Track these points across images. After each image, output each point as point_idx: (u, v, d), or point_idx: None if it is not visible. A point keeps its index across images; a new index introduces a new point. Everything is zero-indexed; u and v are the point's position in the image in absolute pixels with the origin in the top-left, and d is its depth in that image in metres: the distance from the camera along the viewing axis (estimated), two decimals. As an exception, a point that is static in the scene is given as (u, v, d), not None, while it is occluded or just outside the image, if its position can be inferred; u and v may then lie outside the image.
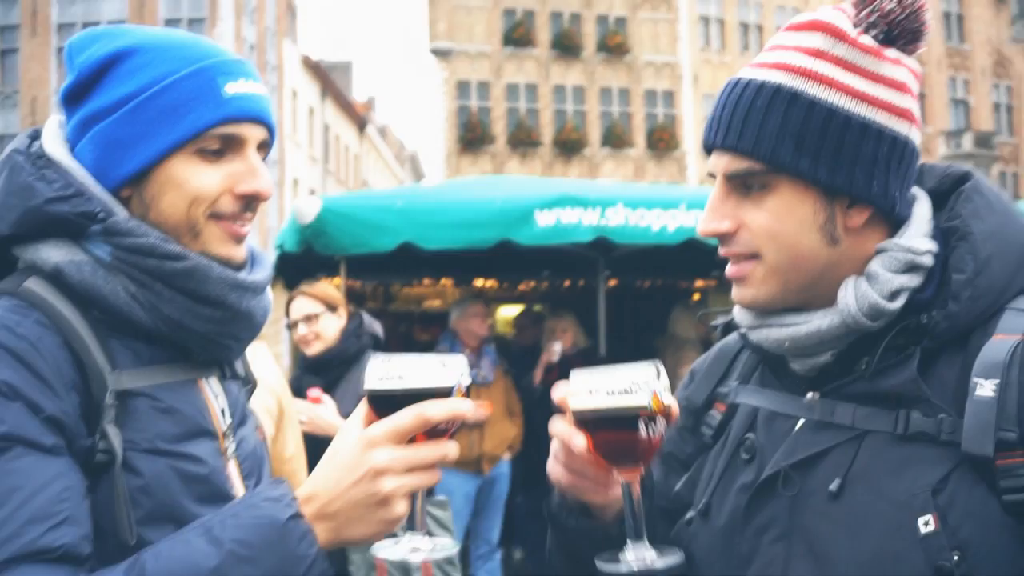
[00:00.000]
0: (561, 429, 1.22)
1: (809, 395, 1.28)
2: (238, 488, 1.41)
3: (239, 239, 1.40)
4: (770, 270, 1.26)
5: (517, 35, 37.91)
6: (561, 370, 6.57)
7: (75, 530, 1.10)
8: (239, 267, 1.41)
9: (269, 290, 1.50)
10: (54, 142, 1.37)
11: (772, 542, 1.25)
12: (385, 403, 1.13)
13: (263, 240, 31.29)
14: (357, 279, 8.24)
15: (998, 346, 1.15)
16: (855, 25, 1.24)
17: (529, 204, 5.80)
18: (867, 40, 1.23)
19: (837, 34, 1.23)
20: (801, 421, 1.28)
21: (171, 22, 30.87)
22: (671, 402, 1.18)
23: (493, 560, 6.45)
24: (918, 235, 1.25)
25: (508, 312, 11.68)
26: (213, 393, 1.43)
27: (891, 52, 1.25)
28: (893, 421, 1.18)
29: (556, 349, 6.61)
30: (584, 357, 6.67)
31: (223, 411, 1.43)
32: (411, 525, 1.18)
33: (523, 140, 37.46)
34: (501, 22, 38.12)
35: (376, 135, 52.53)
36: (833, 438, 1.23)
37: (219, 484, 1.36)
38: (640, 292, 9.31)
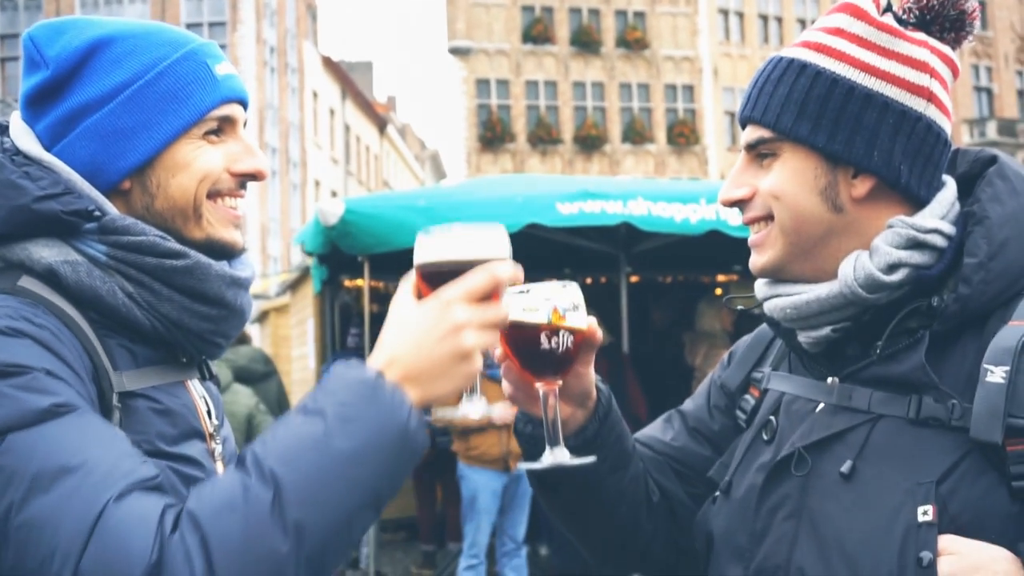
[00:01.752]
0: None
1: (829, 380, 1.30)
2: None
3: (237, 224, 1.40)
4: (780, 230, 1.29)
5: (536, 32, 37.92)
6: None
7: (157, 468, 1.11)
8: (237, 254, 1.41)
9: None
10: (28, 140, 1.32)
11: (783, 520, 1.27)
12: (439, 275, 1.16)
13: (286, 241, 31.49)
14: (380, 279, 8.28)
15: (1011, 332, 1.15)
16: (888, 8, 1.28)
17: (550, 198, 5.85)
18: (889, 20, 1.27)
19: (858, 14, 1.28)
20: (820, 405, 1.30)
21: (192, 26, 31.06)
22: (577, 321, 1.25)
23: (519, 557, 6.46)
24: (932, 216, 1.26)
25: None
26: (199, 394, 1.41)
27: (918, 35, 1.27)
28: (906, 406, 1.19)
29: (579, 346, 6.61)
30: (607, 353, 6.67)
31: (209, 412, 1.42)
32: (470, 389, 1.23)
33: (543, 137, 37.47)
34: (520, 19, 38.14)
35: (396, 135, 52.65)
36: (848, 421, 1.24)
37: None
38: (664, 287, 9.30)
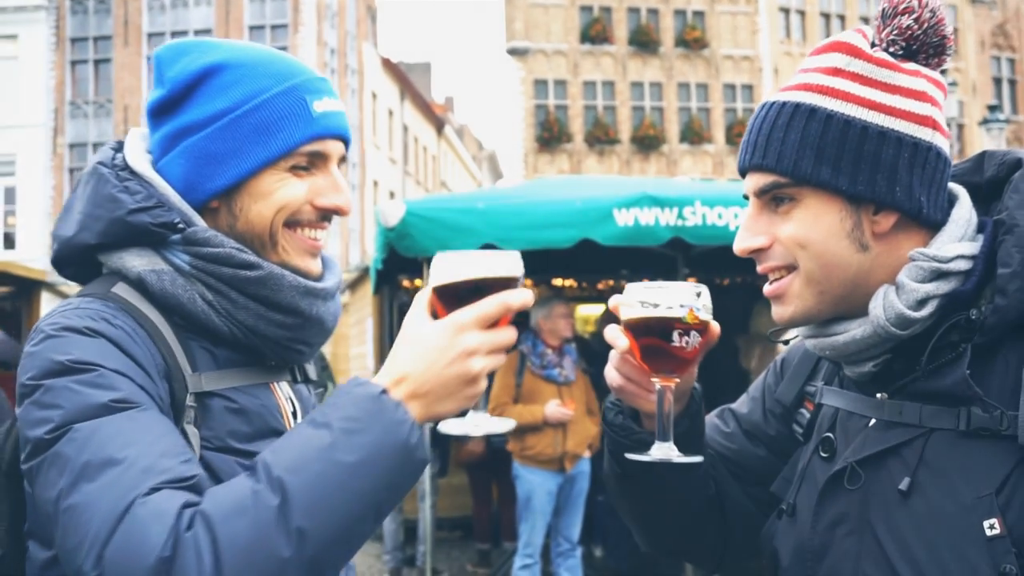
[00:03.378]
0: (610, 331, 1.34)
1: (878, 395, 1.31)
2: None
3: (315, 252, 1.46)
4: (805, 280, 1.30)
5: (594, 32, 37.78)
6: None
7: (199, 468, 1.18)
8: (316, 279, 1.46)
9: (339, 295, 1.54)
10: (136, 154, 1.42)
11: (844, 536, 1.28)
12: (454, 295, 1.21)
13: (344, 241, 31.82)
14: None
15: None
16: (874, 44, 1.29)
17: (608, 204, 5.86)
18: (882, 55, 1.28)
19: (853, 52, 1.29)
20: (872, 420, 1.31)
21: (255, 28, 31.55)
22: (708, 319, 1.29)
23: (574, 557, 6.46)
24: (951, 240, 1.27)
25: (587, 311, 11.69)
26: (285, 396, 1.48)
27: (910, 65, 1.28)
28: (956, 418, 1.20)
29: (636, 348, 6.61)
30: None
31: (295, 413, 1.48)
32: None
33: (600, 138, 37.32)
34: (578, 19, 38.04)
35: (454, 135, 52.83)
36: (900, 436, 1.25)
37: None
38: (720, 289, 9.24)
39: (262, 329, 1.39)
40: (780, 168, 1.28)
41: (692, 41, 37.99)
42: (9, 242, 30.46)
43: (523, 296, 1.20)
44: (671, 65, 38.14)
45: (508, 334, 1.21)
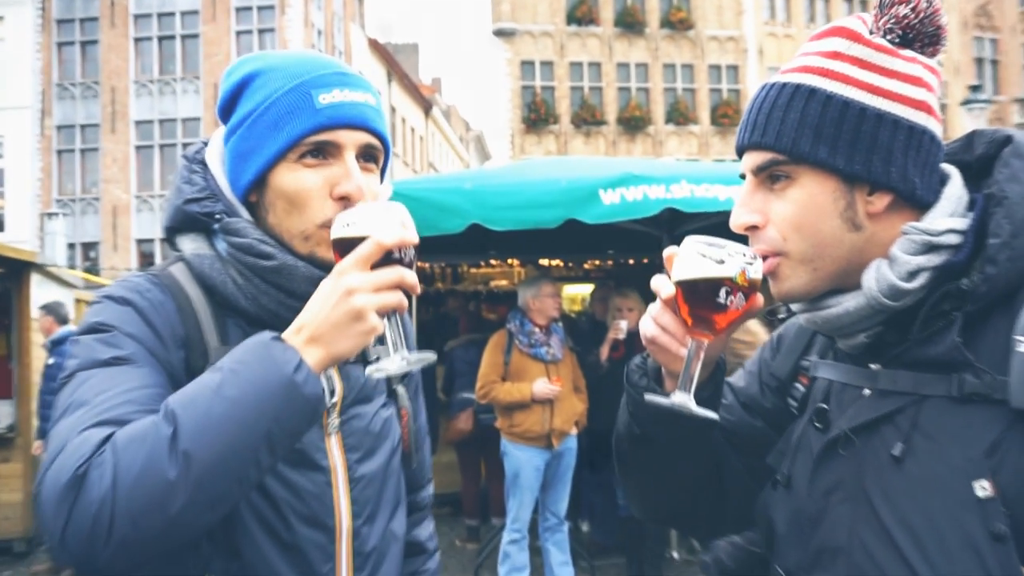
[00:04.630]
0: (657, 280, 1.35)
1: (873, 366, 1.32)
2: (335, 458, 1.53)
3: None
4: (796, 261, 1.32)
5: (580, 13, 37.63)
6: (627, 347, 6.61)
7: (141, 415, 1.28)
8: None
9: None
10: (213, 149, 1.59)
11: (839, 503, 1.30)
12: (347, 246, 1.31)
13: (333, 222, 31.68)
14: (426, 261, 8.36)
15: None
16: (871, 31, 1.31)
17: (593, 184, 5.84)
18: (881, 41, 1.30)
19: (852, 36, 1.30)
20: (866, 390, 1.32)
21: (242, 10, 31.32)
22: (756, 286, 1.29)
23: (561, 532, 6.49)
24: (942, 215, 1.29)
25: (573, 291, 11.72)
26: (325, 375, 1.50)
27: (906, 52, 1.30)
28: (949, 384, 1.22)
29: (622, 327, 6.62)
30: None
31: (332, 390, 1.54)
32: (396, 350, 1.35)
33: (587, 119, 37.25)
34: (564, 1, 37.87)
35: (442, 117, 52.59)
36: (894, 403, 1.27)
37: (310, 454, 1.49)
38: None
39: (283, 314, 1.45)
40: (779, 146, 1.29)
41: (677, 22, 37.89)
42: (-2, 224, 30.28)
43: (396, 233, 1.29)
44: (657, 46, 38.04)
45: (388, 272, 1.29)
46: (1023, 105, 38.54)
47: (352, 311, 1.26)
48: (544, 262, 9.91)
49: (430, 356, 1.37)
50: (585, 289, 11.10)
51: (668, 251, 1.33)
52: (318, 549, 1.49)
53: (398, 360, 1.33)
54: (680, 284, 1.30)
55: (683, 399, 1.30)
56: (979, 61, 39.42)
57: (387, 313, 1.32)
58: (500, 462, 6.48)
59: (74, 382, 1.30)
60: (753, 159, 1.34)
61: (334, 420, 1.55)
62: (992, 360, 1.19)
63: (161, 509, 1.14)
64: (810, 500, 1.35)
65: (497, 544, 6.67)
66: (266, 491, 1.44)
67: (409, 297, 1.35)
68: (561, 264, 10.35)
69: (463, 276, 11.46)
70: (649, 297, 1.41)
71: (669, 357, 1.37)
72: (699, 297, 1.28)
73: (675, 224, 6.44)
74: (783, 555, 1.40)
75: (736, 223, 1.37)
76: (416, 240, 1.34)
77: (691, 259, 1.28)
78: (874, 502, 1.25)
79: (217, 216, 1.49)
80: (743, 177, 1.38)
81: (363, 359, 1.62)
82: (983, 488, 1.14)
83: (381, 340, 1.36)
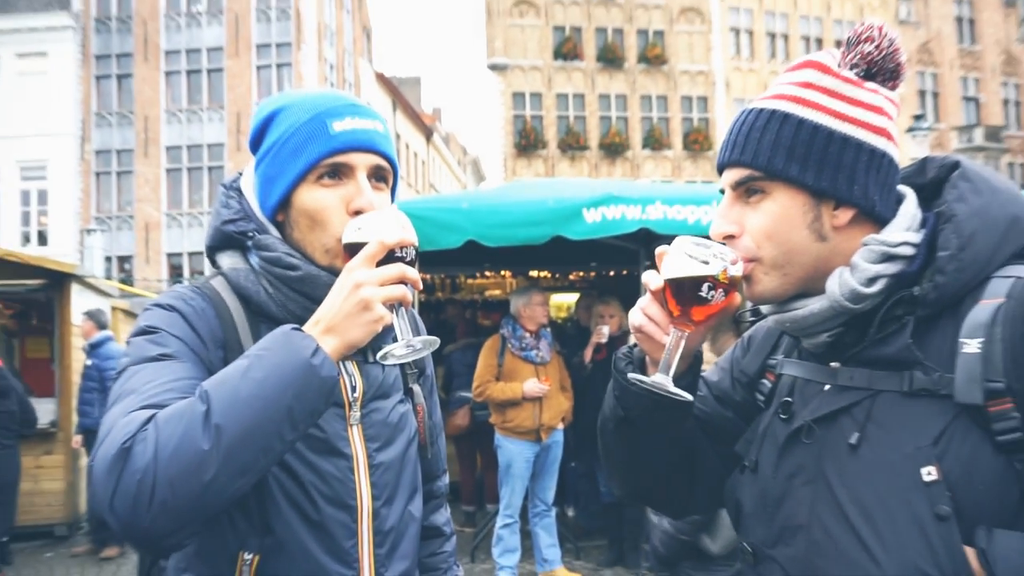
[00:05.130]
0: (648, 275, 1.35)
1: (833, 364, 1.33)
2: (356, 446, 1.55)
3: None
4: (768, 267, 1.32)
5: (566, 49, 37.71)
6: (609, 350, 6.61)
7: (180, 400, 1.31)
8: None
9: None
10: (247, 177, 1.61)
11: (801, 485, 1.30)
12: (355, 249, 1.36)
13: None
14: (427, 272, 8.34)
15: (983, 309, 1.19)
16: (840, 64, 1.32)
17: (578, 204, 5.84)
18: (848, 73, 1.31)
19: (823, 68, 1.31)
20: (827, 385, 1.33)
21: (262, 47, 31.31)
22: (735, 284, 1.30)
23: (548, 517, 6.48)
24: (898, 230, 1.30)
25: (560, 300, 11.71)
26: (347, 372, 1.57)
27: (870, 84, 1.31)
28: (900, 381, 1.23)
29: (604, 332, 6.61)
30: (628, 338, 6.66)
31: (353, 387, 1.57)
32: (402, 337, 1.37)
33: (572, 144, 37.29)
34: (551, 38, 37.94)
35: (441, 143, 52.52)
36: (852, 397, 1.28)
37: (334, 442, 1.51)
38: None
39: (308, 318, 1.45)
40: (755, 164, 1.30)
41: (653, 58, 37.99)
42: (42, 239, 30.16)
43: (398, 233, 1.34)
44: (634, 79, 38.13)
45: (392, 268, 1.32)
46: (960, 132, 38.76)
47: (361, 302, 1.29)
48: (534, 273, 9.90)
49: (434, 340, 1.38)
50: (571, 298, 11.10)
51: (659, 249, 1.33)
52: (342, 527, 1.50)
53: (403, 346, 1.35)
54: (668, 279, 1.30)
55: (662, 379, 1.31)
56: (922, 93, 39.62)
57: (393, 305, 1.34)
58: (494, 454, 6.47)
59: (125, 375, 1.34)
60: (732, 175, 1.34)
61: (356, 413, 1.57)
62: (939, 359, 1.20)
63: (197, 476, 1.17)
64: (775, 483, 1.35)
65: (491, 528, 6.67)
66: (295, 475, 1.46)
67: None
68: (549, 275, 10.34)
69: (461, 286, 11.45)
70: (628, 305, 1.42)
71: (653, 345, 1.37)
72: (684, 291, 1.29)
73: (651, 240, 6.45)
74: (749, 531, 1.40)
75: (715, 232, 1.37)
76: (415, 240, 1.38)
77: (679, 258, 1.29)
78: (832, 485, 1.25)
79: (250, 234, 1.52)
80: (722, 192, 1.38)
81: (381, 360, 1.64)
82: (929, 473, 1.15)
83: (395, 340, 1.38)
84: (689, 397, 1.33)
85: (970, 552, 1.11)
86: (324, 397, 1.28)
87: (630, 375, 1.38)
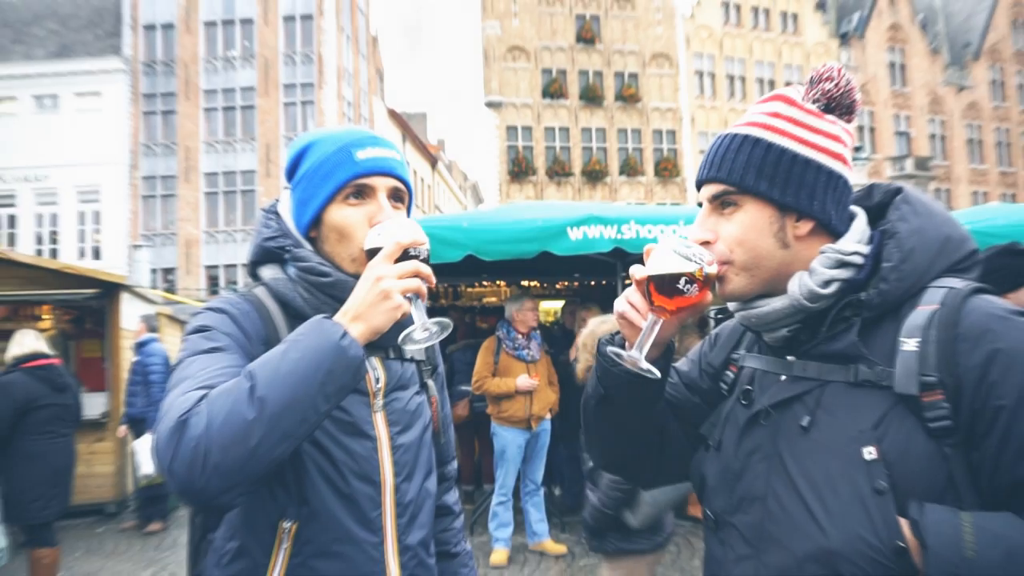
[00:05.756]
0: (635, 267, 1.35)
1: (789, 358, 1.35)
2: (380, 430, 1.57)
3: None
4: (739, 268, 1.33)
5: (553, 89, 37.78)
6: (589, 350, 6.60)
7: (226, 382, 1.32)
8: None
9: None
10: (284, 201, 1.64)
11: (759, 462, 1.31)
12: (376, 253, 1.39)
13: (360, 252, 31.52)
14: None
15: (920, 313, 1.21)
16: (804, 98, 1.34)
17: (563, 223, 5.87)
18: (811, 106, 1.33)
19: (789, 101, 1.34)
20: (783, 376, 1.34)
21: (289, 87, 31.29)
22: (709, 283, 1.30)
23: (537, 496, 6.48)
24: (851, 241, 1.31)
25: (548, 306, 11.70)
26: (371, 367, 1.59)
27: (830, 116, 1.33)
28: (846, 373, 1.24)
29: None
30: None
31: (377, 379, 1.59)
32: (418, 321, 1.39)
33: (558, 171, 37.32)
34: (540, 79, 38.00)
35: (445, 169, 52.51)
36: (804, 386, 1.29)
37: (361, 425, 1.53)
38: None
39: None
40: (730, 180, 1.32)
41: (628, 97, 38.09)
42: (96, 254, 30.07)
43: (411, 234, 1.38)
44: (612, 115, 38.23)
45: (407, 263, 1.35)
46: (893, 162, 38.97)
47: (381, 292, 1.31)
48: (525, 283, 9.90)
49: (447, 321, 1.39)
50: (557, 304, 11.11)
51: (647, 247, 1.35)
52: (368, 499, 1.51)
53: (421, 328, 1.37)
54: (652, 272, 1.31)
55: (636, 356, 1.32)
56: (860, 128, 39.78)
57: (410, 297, 1.36)
58: (490, 440, 6.46)
59: (182, 366, 1.36)
60: (710, 190, 1.36)
61: (379, 401, 1.58)
62: (881, 355, 1.22)
63: (244, 442, 1.18)
64: (735, 459, 1.36)
65: (487, 505, 6.66)
66: (328, 453, 1.48)
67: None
68: (538, 285, 10.34)
69: (461, 294, 11.44)
70: (607, 311, 1.41)
71: (633, 330, 1.37)
72: (664, 283, 1.29)
73: (626, 256, 6.46)
74: (711, 501, 1.41)
75: (693, 238, 1.38)
76: (426, 241, 1.41)
77: (664, 254, 1.30)
78: (785, 461, 1.26)
79: (288, 249, 1.55)
80: (700, 204, 1.40)
81: (400, 356, 1.67)
82: (870, 453, 1.16)
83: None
84: (658, 374, 1.34)
85: (904, 523, 1.12)
86: (352, 373, 1.29)
87: (609, 348, 1.39)
